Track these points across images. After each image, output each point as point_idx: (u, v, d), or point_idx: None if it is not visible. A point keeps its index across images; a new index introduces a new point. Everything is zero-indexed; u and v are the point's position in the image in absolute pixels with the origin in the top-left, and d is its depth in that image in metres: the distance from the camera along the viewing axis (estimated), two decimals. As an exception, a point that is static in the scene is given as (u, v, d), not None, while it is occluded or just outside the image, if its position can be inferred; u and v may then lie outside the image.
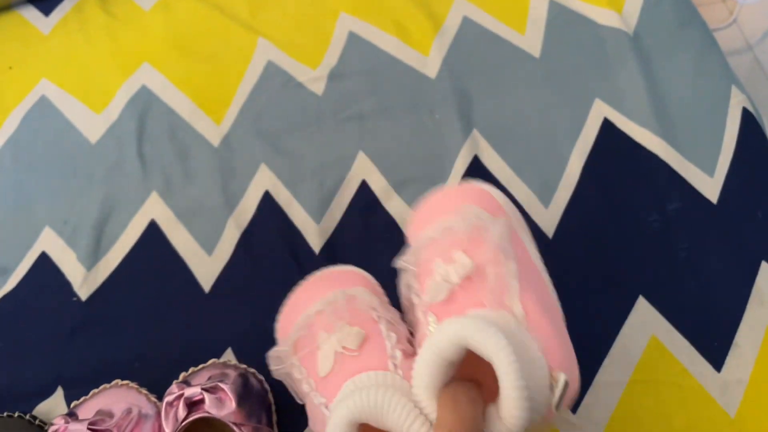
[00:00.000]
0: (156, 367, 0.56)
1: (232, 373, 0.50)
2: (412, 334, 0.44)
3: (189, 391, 0.47)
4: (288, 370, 0.44)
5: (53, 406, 0.56)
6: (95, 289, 0.62)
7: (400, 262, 0.45)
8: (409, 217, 0.50)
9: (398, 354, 0.41)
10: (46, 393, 0.56)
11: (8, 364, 0.59)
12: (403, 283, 0.44)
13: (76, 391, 0.55)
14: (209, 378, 0.49)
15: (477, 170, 0.63)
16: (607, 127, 0.63)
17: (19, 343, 0.60)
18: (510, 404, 0.32)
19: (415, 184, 0.63)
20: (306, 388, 0.42)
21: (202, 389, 0.47)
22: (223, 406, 0.47)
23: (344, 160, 0.65)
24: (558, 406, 0.34)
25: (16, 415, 0.54)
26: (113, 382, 0.54)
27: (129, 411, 0.50)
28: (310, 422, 0.43)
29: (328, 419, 0.36)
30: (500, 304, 0.39)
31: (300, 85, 0.70)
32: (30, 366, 0.58)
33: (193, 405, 0.48)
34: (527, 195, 0.61)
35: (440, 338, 0.35)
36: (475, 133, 0.65)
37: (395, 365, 0.40)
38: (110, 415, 0.49)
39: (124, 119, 0.70)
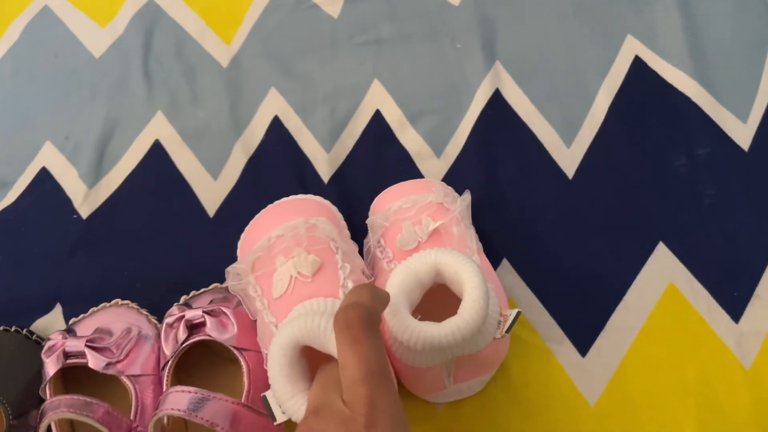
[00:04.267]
0: (156, 289, 0.54)
1: (235, 298, 0.49)
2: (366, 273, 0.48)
3: (190, 314, 0.46)
4: (244, 287, 0.46)
5: (51, 322, 0.55)
6: (96, 207, 0.60)
7: (371, 218, 0.49)
8: (373, 203, 0.52)
9: (350, 284, 0.44)
10: (44, 309, 0.55)
11: (6, 278, 0.57)
12: (372, 238, 0.48)
13: (74, 309, 0.54)
14: (211, 301, 0.48)
15: (498, 105, 0.60)
16: (638, 65, 0.60)
17: (17, 257, 0.58)
18: (474, 297, 0.38)
19: (432, 117, 0.60)
20: (259, 306, 0.45)
21: (204, 312, 0.46)
22: (225, 330, 0.45)
23: (358, 87, 0.62)
24: (508, 330, 0.40)
25: (13, 329, 0.53)
26: (113, 302, 0.53)
27: (129, 330, 0.49)
28: (259, 336, 0.45)
29: (274, 337, 0.38)
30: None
31: (315, 6, 0.67)
32: (28, 281, 0.57)
33: (193, 327, 0.46)
34: (549, 133, 0.58)
35: (417, 260, 0.41)
36: (498, 65, 0.61)
37: (345, 294, 0.43)
38: (109, 333, 0.48)
39: (129, 34, 0.67)
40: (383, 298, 0.35)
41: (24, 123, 0.65)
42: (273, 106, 0.63)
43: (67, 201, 0.60)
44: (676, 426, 0.46)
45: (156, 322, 0.52)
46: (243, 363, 0.45)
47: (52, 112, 0.65)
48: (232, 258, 0.56)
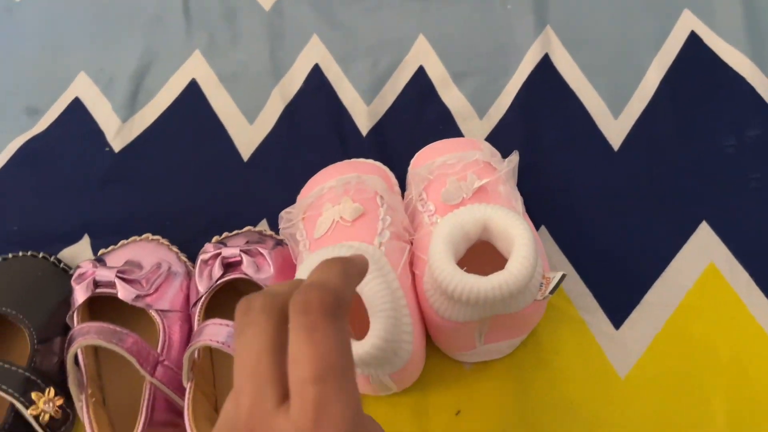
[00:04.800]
0: (187, 229, 0.54)
1: (270, 241, 0.48)
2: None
3: (227, 251, 0.45)
4: (293, 231, 0.47)
5: (78, 252, 0.54)
6: (129, 141, 0.59)
7: (414, 171, 0.48)
8: (414, 158, 0.51)
9: (387, 234, 0.44)
10: (72, 239, 0.55)
11: (34, 205, 0.57)
12: (413, 191, 0.47)
13: (102, 241, 0.53)
14: (246, 242, 0.47)
15: (545, 70, 0.58)
16: (693, 41, 0.58)
17: (46, 186, 0.57)
18: (523, 253, 0.37)
19: (476, 77, 0.59)
20: (302, 248, 0.45)
21: (241, 251, 0.45)
22: (261, 270, 0.45)
23: (403, 41, 0.61)
24: (551, 292, 0.39)
25: (41, 255, 0.52)
26: (144, 236, 0.52)
27: (159, 266, 0.48)
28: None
29: (302, 263, 0.40)
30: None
31: (363, -45, 0.65)
32: (57, 210, 0.56)
33: (229, 266, 0.46)
34: (597, 102, 0.56)
35: (465, 213, 0.40)
36: (549, 30, 0.60)
37: (381, 243, 0.43)
38: (139, 266, 0.48)
39: (170, -31, 0.65)
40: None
41: (58, 51, 0.64)
42: (314, 53, 0.61)
43: (99, 133, 0.59)
44: (706, 404, 0.45)
45: (186, 260, 0.51)
46: None
47: (88, 43, 0.64)
48: (265, 203, 0.55)
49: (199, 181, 0.57)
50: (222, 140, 0.58)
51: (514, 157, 0.47)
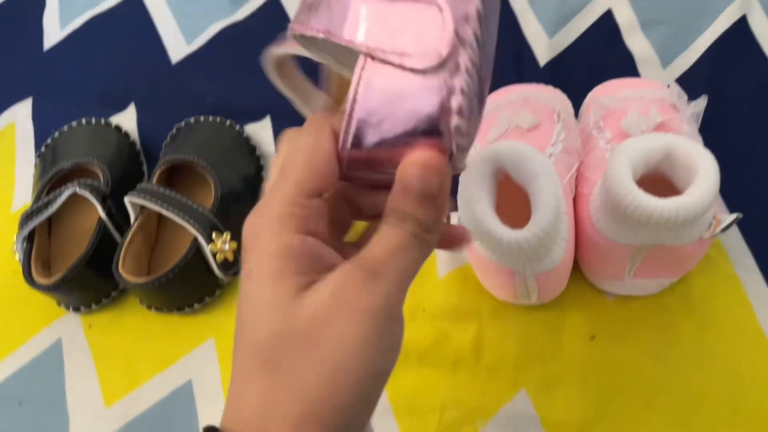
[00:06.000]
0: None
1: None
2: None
3: None
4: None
5: (261, 128, 0.59)
6: (317, 39, 0.63)
7: (595, 98, 0.48)
8: (595, 89, 0.51)
9: (560, 146, 0.45)
10: (257, 117, 0.60)
11: (228, 82, 0.63)
12: (591, 118, 0.47)
13: (282, 122, 0.58)
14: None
15: (740, 32, 0.56)
16: None
17: (239, 67, 0.63)
18: (706, 182, 0.37)
19: (665, 27, 0.58)
20: (472, 152, 0.44)
21: None
22: None
23: (595, -17, 0.61)
24: (724, 230, 0.40)
25: (228, 123, 0.58)
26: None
27: None
28: None
29: (477, 153, 0.41)
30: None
31: None
32: (246, 90, 0.62)
33: None
34: (790, 71, 0.54)
35: (649, 138, 0.40)
36: (752, -10, 0.58)
37: (552, 154, 0.45)
38: None
39: None
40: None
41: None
42: (503, -17, 0.63)
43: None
44: None
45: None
46: None
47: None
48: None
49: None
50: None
51: (702, 102, 0.47)
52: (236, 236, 0.50)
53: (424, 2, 0.26)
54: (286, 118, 0.58)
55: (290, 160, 0.26)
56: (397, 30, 0.26)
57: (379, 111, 0.25)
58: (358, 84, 0.26)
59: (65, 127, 0.58)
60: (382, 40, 0.25)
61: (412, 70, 0.25)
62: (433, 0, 0.25)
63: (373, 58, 0.26)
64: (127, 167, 0.57)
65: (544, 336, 0.48)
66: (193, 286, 0.49)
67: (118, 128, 0.59)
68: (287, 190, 0.25)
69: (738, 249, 0.48)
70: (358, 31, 0.26)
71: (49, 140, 0.58)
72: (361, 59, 0.26)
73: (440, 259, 0.51)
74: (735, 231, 0.49)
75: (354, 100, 0.25)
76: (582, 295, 0.48)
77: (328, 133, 0.26)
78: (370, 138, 0.26)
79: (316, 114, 0.28)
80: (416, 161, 0.25)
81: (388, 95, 0.25)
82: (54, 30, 0.68)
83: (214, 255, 0.49)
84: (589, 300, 0.48)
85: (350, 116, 0.26)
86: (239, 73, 0.63)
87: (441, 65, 0.25)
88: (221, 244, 0.49)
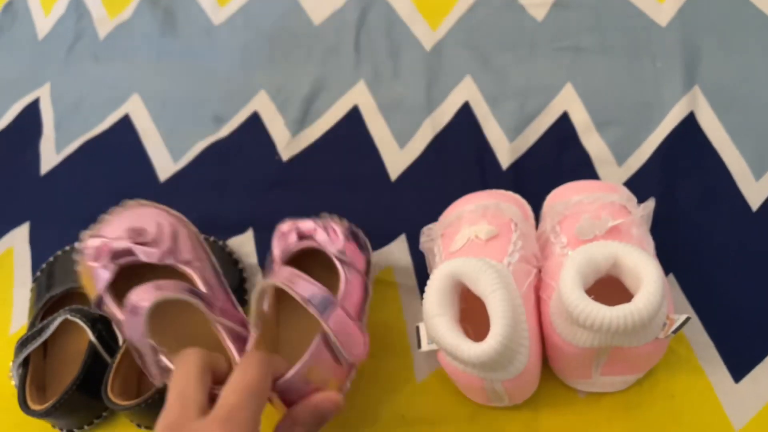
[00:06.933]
0: (337, 232, 0.60)
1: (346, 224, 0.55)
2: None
3: (303, 224, 0.52)
4: (431, 246, 0.52)
5: (244, 241, 0.62)
6: (296, 153, 0.67)
7: (550, 204, 0.52)
8: (551, 194, 0.54)
9: (516, 256, 0.48)
10: (239, 230, 0.63)
11: (211, 198, 0.66)
12: (547, 223, 0.51)
13: (264, 234, 0.61)
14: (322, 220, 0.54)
15: (689, 127, 0.60)
16: None
17: (223, 183, 0.67)
18: (651, 289, 0.40)
19: (619, 128, 0.62)
20: (437, 261, 0.51)
21: (315, 223, 0.52)
22: (333, 243, 0.51)
23: (550, 88, 0.65)
24: (674, 332, 0.43)
25: (212, 239, 0.61)
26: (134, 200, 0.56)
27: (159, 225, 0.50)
28: None
29: (436, 268, 0.45)
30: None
31: (521, 8, 0.70)
32: (229, 204, 0.65)
33: (303, 237, 0.52)
34: (739, 163, 0.57)
35: (598, 247, 0.43)
36: (697, 89, 0.62)
37: (509, 263, 0.48)
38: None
39: (348, 8, 0.75)
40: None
41: (245, 71, 0.74)
42: (465, 92, 0.67)
43: (271, 144, 0.68)
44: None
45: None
46: (342, 272, 0.49)
47: (270, 66, 0.74)
48: (405, 220, 0.60)
49: (351, 192, 0.64)
50: (374, 160, 0.65)
51: (650, 203, 0.50)
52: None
53: None
54: (269, 230, 0.62)
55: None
56: None
57: None
58: None
59: (59, 252, 0.61)
60: None
61: None
62: None
63: None
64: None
65: (522, 437, 0.49)
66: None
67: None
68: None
69: (700, 341, 0.50)
70: None
71: (44, 265, 0.61)
72: None
73: (417, 364, 0.53)
74: (697, 324, 0.51)
75: None
76: (555, 394, 0.50)
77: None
78: None
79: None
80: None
81: None
82: (50, 155, 0.72)
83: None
84: (562, 398, 0.50)
85: None
86: (223, 189, 0.66)
87: None
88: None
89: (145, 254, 0.46)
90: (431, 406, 0.51)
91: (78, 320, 0.53)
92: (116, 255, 0.45)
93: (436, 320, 0.43)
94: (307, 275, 0.45)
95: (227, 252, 0.61)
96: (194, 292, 0.46)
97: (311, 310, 0.44)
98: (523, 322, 0.44)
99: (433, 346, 0.46)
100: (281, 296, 0.51)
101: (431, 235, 0.53)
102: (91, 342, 0.53)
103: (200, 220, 0.64)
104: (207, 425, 0.35)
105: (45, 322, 0.54)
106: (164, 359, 0.44)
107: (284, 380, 0.42)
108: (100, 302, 0.46)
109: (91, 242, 0.45)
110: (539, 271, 0.49)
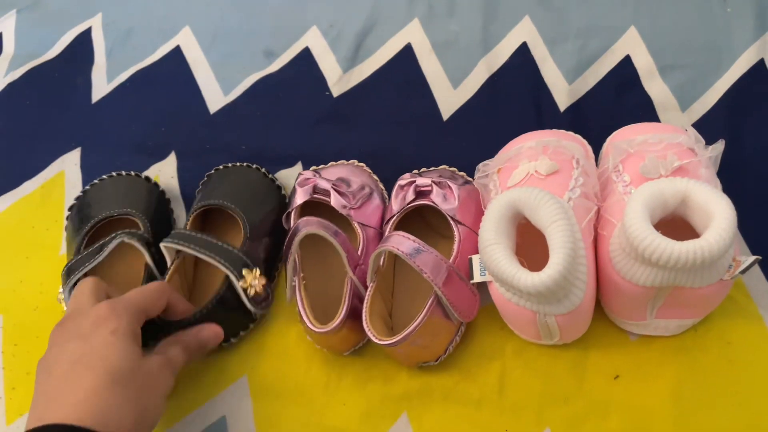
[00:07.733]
0: (387, 167, 0.59)
1: (460, 179, 0.53)
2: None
3: (420, 180, 0.51)
4: (486, 182, 0.51)
5: (291, 174, 0.62)
6: (346, 89, 0.66)
7: (614, 143, 0.49)
8: (613, 134, 0.53)
9: (578, 192, 0.47)
10: (288, 163, 0.63)
11: (261, 131, 0.66)
12: (609, 162, 0.49)
13: (313, 166, 0.61)
14: (439, 176, 0.52)
15: (759, 75, 0.58)
16: None
17: (273, 116, 0.66)
18: (722, 226, 0.38)
19: (684, 72, 0.59)
20: (493, 196, 0.50)
21: (432, 181, 0.50)
22: (447, 201, 0.50)
23: (613, 30, 0.63)
24: (743, 272, 0.41)
25: (259, 168, 0.61)
26: (350, 161, 0.59)
27: (362, 187, 0.54)
28: None
29: (495, 198, 0.44)
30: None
31: (586, -54, 0.68)
32: (278, 138, 0.65)
33: (420, 193, 0.51)
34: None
35: (667, 183, 0.42)
36: (768, 35, 0.59)
37: (570, 198, 0.46)
38: (348, 184, 0.54)
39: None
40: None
41: (297, 5, 0.73)
42: (523, 32, 0.65)
43: (322, 79, 0.68)
44: None
45: (383, 188, 0.57)
46: (456, 232, 0.49)
47: (322, 1, 0.72)
48: (456, 159, 0.59)
49: (401, 130, 0.63)
50: (426, 99, 0.64)
51: (719, 145, 0.48)
52: (265, 271, 0.52)
53: None
54: (317, 162, 0.61)
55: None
56: None
57: None
58: None
59: (96, 181, 0.61)
60: None
61: None
62: None
63: None
64: (159, 215, 0.60)
65: (568, 375, 0.48)
66: (227, 322, 0.52)
67: (147, 179, 0.62)
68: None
69: (761, 289, 0.49)
70: None
71: (80, 193, 0.61)
72: None
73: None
74: (757, 271, 0.49)
75: None
76: (605, 335, 0.49)
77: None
78: None
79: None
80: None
81: None
82: (101, 83, 0.73)
83: (245, 290, 0.51)
84: (613, 340, 0.49)
85: None
86: (272, 122, 0.66)
87: None
88: (251, 280, 0.51)
89: (335, 200, 0.52)
90: (477, 340, 0.51)
91: (135, 242, 0.53)
92: (316, 190, 0.54)
93: (493, 248, 0.42)
94: (420, 241, 0.45)
95: (276, 185, 0.60)
96: (347, 247, 0.49)
97: (425, 276, 0.44)
98: (582, 257, 0.43)
99: (486, 277, 0.45)
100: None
101: (486, 171, 0.52)
102: (147, 265, 0.54)
103: (249, 152, 0.64)
104: (99, 304, 0.44)
105: (97, 245, 0.54)
106: (296, 280, 0.50)
107: (402, 336, 0.45)
108: (288, 216, 0.55)
109: (307, 173, 0.55)
110: (599, 209, 0.48)
